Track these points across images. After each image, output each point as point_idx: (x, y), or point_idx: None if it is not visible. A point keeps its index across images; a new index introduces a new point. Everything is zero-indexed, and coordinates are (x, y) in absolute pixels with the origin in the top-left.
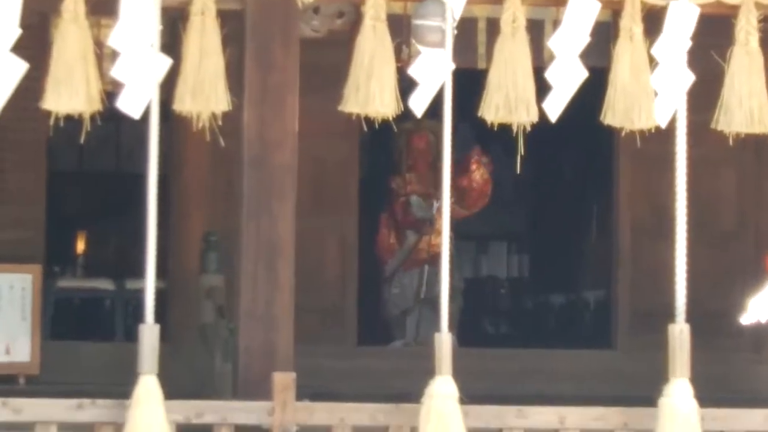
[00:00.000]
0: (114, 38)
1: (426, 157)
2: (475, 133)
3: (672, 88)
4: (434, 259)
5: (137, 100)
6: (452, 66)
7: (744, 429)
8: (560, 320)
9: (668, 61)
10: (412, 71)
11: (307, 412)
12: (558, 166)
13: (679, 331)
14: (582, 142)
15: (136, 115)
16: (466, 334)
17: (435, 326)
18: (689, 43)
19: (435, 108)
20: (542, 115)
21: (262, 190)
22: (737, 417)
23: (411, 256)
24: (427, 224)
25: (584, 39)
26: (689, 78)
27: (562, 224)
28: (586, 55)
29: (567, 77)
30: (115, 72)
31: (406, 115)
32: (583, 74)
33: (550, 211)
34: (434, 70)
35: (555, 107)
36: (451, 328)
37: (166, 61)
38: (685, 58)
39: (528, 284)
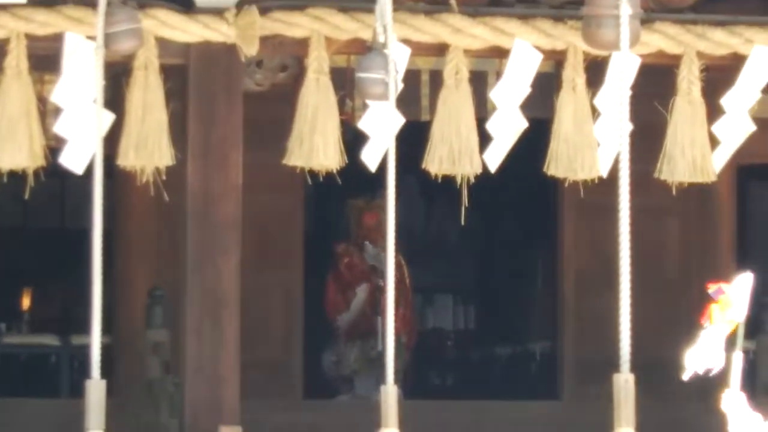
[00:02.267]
0: (57, 94)
1: (376, 235)
2: (420, 186)
3: (613, 137)
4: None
5: (80, 155)
6: (401, 119)
7: None
8: (506, 371)
9: (610, 111)
10: (363, 125)
11: None
12: (503, 217)
13: (624, 381)
14: (526, 192)
15: (79, 170)
16: (412, 386)
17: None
18: (629, 93)
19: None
20: (487, 166)
21: (206, 244)
22: None
23: (353, 328)
24: (378, 272)
25: (525, 90)
26: (629, 128)
27: (507, 276)
28: (530, 106)
29: (507, 128)
30: (58, 128)
31: (357, 191)
32: (523, 125)
33: (495, 262)
34: (383, 124)
35: (495, 158)
36: (396, 381)
37: (109, 117)
38: (627, 108)
39: (474, 336)
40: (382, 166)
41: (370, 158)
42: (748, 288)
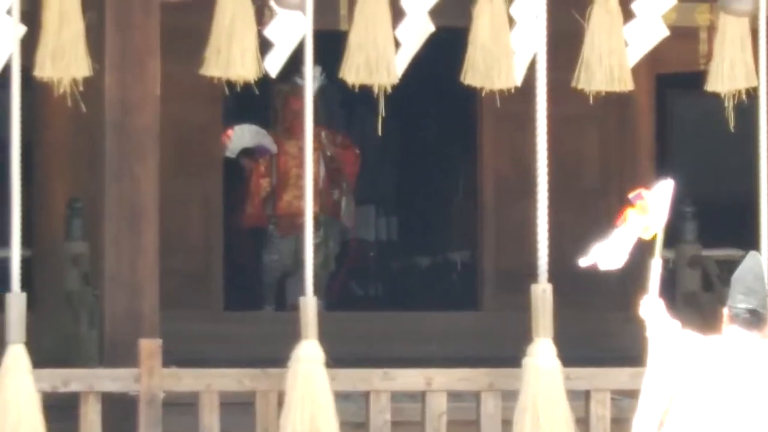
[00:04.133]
0: None
1: (302, 120)
2: (342, 96)
3: (529, 46)
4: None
5: None
6: (310, 27)
7: (609, 387)
8: (427, 282)
9: (526, 19)
10: (268, 32)
11: (174, 378)
12: (423, 127)
13: (542, 291)
14: (446, 102)
15: None
16: (334, 298)
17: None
18: (546, 1)
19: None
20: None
21: (124, 153)
22: (602, 375)
23: (284, 220)
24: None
25: None
26: (545, 36)
27: (428, 186)
28: (448, 15)
29: (415, 34)
30: None
31: (284, 77)
32: (429, 29)
33: (416, 173)
34: (291, 32)
35: (401, 63)
36: (317, 292)
37: (22, 29)
38: (544, 16)
39: (396, 247)
40: None
41: (272, 65)
42: (668, 195)
